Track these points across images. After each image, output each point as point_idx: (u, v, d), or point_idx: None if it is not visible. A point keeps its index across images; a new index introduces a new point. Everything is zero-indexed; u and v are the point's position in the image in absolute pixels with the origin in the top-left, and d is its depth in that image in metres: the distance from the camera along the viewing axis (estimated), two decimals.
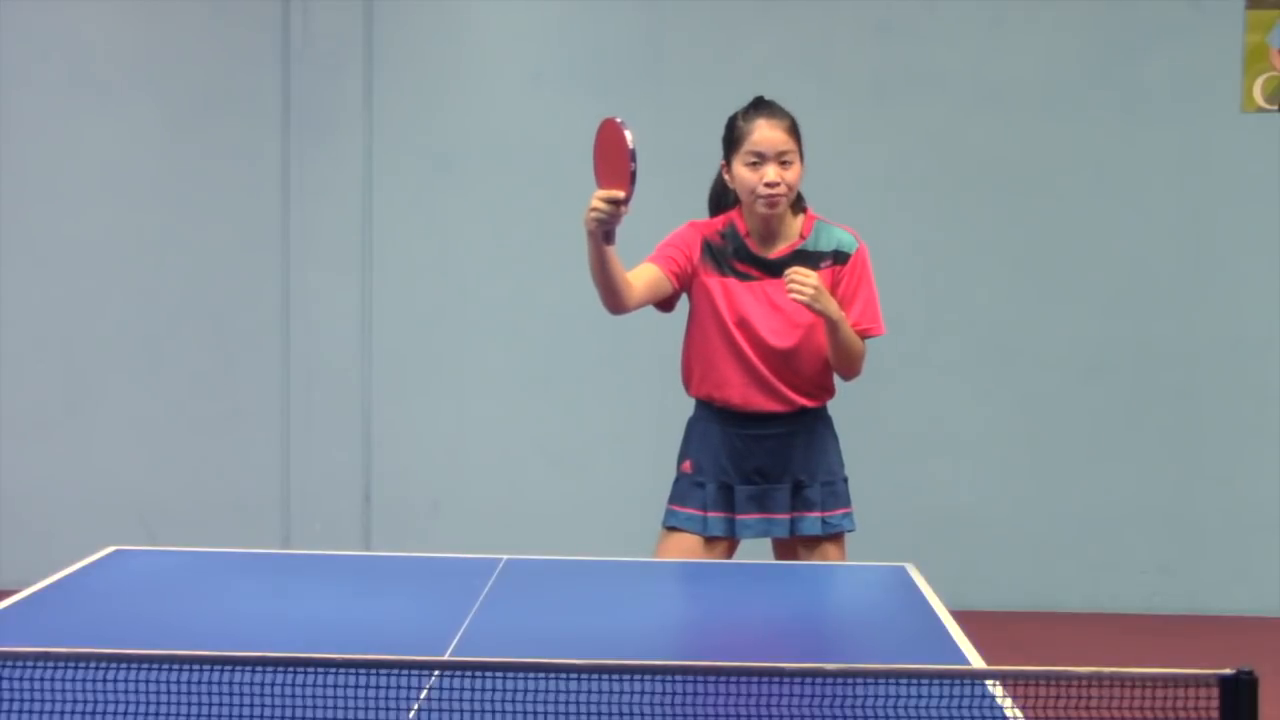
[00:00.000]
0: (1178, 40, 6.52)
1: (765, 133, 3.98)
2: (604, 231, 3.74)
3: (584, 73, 6.64)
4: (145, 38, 6.74)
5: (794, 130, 4.01)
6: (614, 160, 3.70)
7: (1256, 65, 6.50)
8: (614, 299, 3.91)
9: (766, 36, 6.57)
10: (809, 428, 4.09)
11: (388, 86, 6.67)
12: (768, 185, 3.96)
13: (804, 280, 3.84)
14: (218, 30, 6.70)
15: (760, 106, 4.05)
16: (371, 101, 6.67)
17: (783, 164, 3.97)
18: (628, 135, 3.65)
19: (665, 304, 4.11)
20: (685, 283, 4.06)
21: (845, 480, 4.16)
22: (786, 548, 4.14)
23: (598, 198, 3.71)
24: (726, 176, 4.07)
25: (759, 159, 3.97)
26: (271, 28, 6.66)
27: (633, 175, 3.65)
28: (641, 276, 3.98)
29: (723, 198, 4.14)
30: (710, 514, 4.06)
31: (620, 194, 3.68)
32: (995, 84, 6.57)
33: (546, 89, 6.64)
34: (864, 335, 4.04)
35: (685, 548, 4.05)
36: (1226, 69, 6.51)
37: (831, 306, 3.91)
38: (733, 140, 4.03)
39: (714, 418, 4.10)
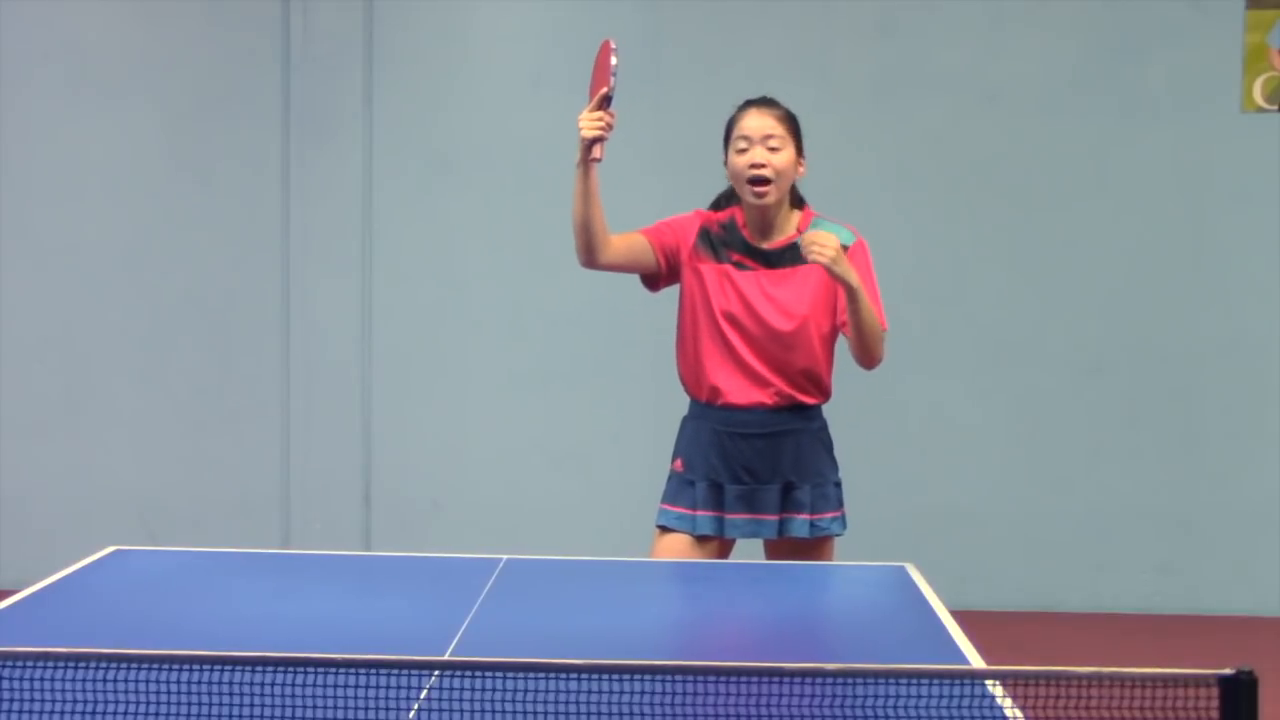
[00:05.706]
0: (1178, 41, 6.52)
1: (752, 119, 4.02)
2: (595, 145, 3.90)
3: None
4: (145, 38, 6.74)
5: (786, 120, 4.02)
6: (599, 73, 3.97)
7: (1256, 65, 6.50)
8: (589, 242, 3.95)
9: (766, 36, 6.57)
10: (799, 428, 4.05)
11: (388, 87, 6.67)
12: (753, 166, 3.97)
13: (824, 242, 3.80)
14: (217, 31, 6.70)
15: (754, 99, 4.09)
16: (371, 101, 6.67)
17: (770, 149, 3.98)
18: (611, 44, 3.99)
19: (650, 281, 4.11)
20: (671, 261, 4.05)
21: (838, 484, 4.11)
22: (777, 550, 4.12)
23: (589, 110, 3.93)
24: (727, 174, 4.08)
25: (746, 144, 3.99)
26: (271, 28, 6.66)
27: (614, 69, 3.92)
28: (625, 237, 4.03)
29: (730, 202, 4.15)
30: (699, 513, 4.04)
31: (605, 89, 3.93)
32: (995, 84, 6.57)
33: (546, 90, 6.63)
34: None
35: (675, 548, 4.02)
36: (1226, 69, 6.50)
37: (851, 273, 3.84)
38: (727, 136, 4.07)
39: (703, 414, 4.08)
